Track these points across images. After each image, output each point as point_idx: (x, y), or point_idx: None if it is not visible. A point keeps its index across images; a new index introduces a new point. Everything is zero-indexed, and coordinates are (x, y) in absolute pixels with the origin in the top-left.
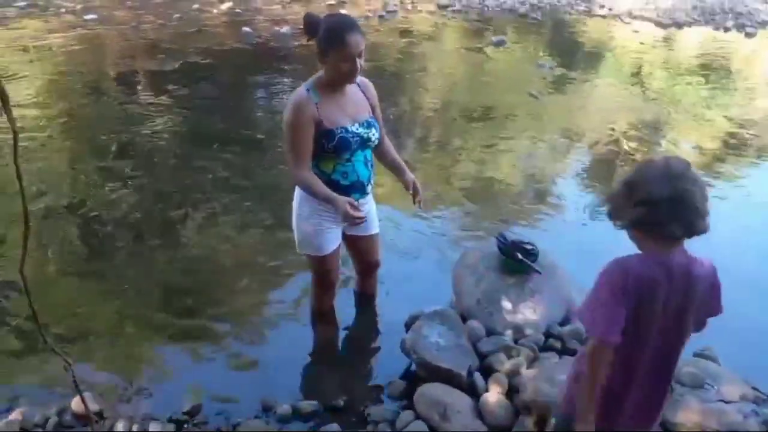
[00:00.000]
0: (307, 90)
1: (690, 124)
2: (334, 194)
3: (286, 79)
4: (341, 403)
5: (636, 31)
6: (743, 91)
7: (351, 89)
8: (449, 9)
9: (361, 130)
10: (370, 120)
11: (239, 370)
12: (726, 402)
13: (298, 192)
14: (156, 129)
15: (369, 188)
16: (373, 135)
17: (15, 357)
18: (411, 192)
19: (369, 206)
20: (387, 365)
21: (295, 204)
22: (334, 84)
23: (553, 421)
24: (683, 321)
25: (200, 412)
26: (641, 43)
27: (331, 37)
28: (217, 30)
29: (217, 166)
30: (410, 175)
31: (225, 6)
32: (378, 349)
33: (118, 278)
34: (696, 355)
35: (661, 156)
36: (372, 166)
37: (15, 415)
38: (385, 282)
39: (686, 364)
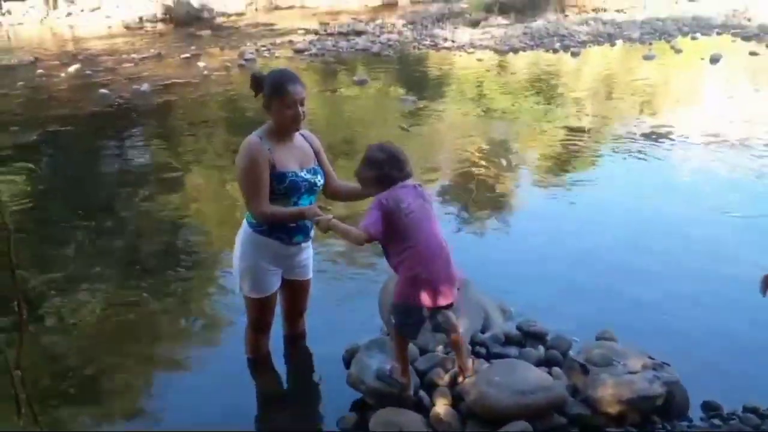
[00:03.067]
0: (259, 138)
1: (532, 136)
2: (297, 208)
3: (156, 136)
4: None
5: (480, 59)
6: (573, 103)
7: (297, 139)
8: (306, 53)
9: (308, 176)
10: (315, 167)
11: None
12: (633, 373)
13: (241, 236)
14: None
15: (311, 233)
16: (319, 181)
17: None
18: None
19: (308, 252)
20: (331, 400)
21: (237, 247)
22: (281, 132)
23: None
24: (428, 211)
25: None
26: (487, 70)
27: (275, 88)
28: (70, 94)
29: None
30: None
31: (73, 68)
32: (318, 386)
33: None
34: (599, 338)
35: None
36: None
37: None
38: (312, 320)
39: (596, 347)
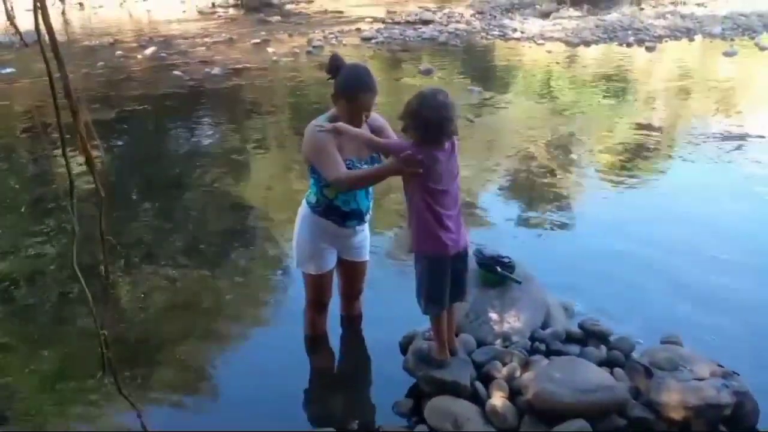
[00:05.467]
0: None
1: (600, 132)
2: (378, 166)
3: (226, 119)
4: (355, 426)
5: (549, 51)
6: (645, 99)
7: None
8: (373, 41)
9: (366, 167)
10: (374, 156)
11: (247, 407)
12: (700, 380)
13: (300, 213)
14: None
15: (367, 217)
16: None
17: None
18: None
19: (364, 234)
20: (387, 385)
21: (297, 225)
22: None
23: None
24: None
25: None
26: (556, 63)
27: (347, 90)
28: (146, 75)
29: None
30: None
31: (149, 51)
32: (376, 370)
33: (53, 341)
34: (663, 342)
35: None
36: (372, 198)
37: None
38: (371, 304)
39: (660, 350)
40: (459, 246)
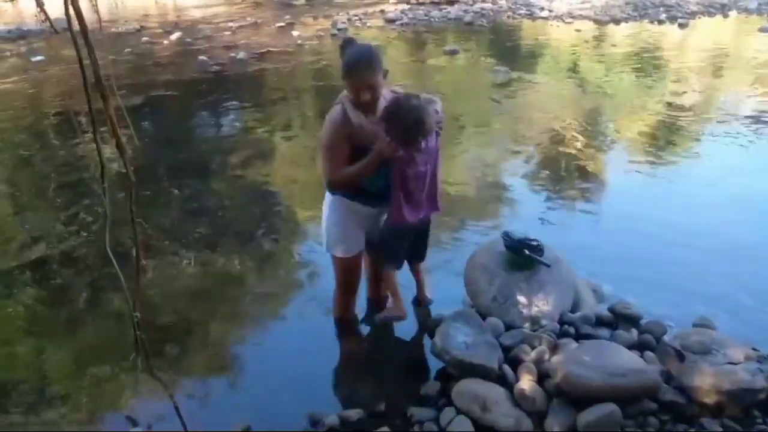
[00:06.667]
0: (344, 109)
1: (630, 112)
2: (364, 160)
3: (251, 103)
4: (383, 408)
5: (578, 30)
6: (676, 78)
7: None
8: (397, 23)
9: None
10: None
11: (276, 389)
12: (733, 364)
13: (328, 197)
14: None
15: None
16: None
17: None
18: None
19: None
20: (414, 368)
21: (325, 208)
22: (357, 106)
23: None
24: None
25: None
26: (585, 42)
27: (343, 68)
28: (172, 61)
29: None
30: None
31: (174, 36)
32: (403, 353)
33: (86, 324)
34: (695, 325)
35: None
36: None
37: None
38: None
39: (692, 333)
40: (418, 217)
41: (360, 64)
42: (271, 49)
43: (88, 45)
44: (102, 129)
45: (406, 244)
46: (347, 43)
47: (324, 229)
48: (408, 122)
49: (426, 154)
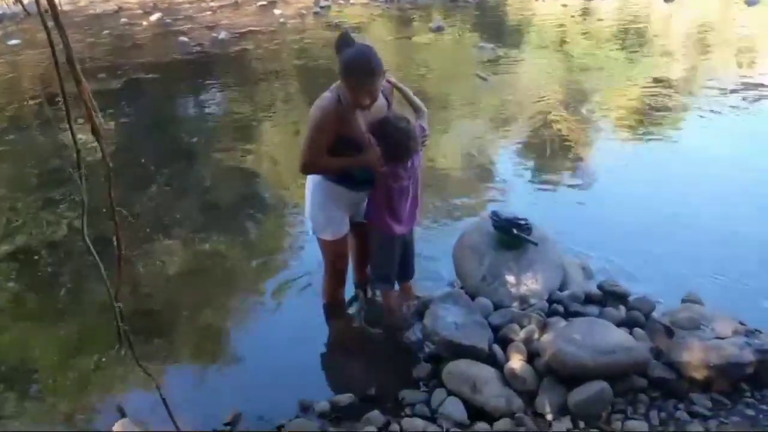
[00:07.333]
0: (338, 97)
1: (616, 87)
2: (350, 158)
3: (234, 84)
4: (373, 392)
5: (564, 5)
6: (662, 53)
7: (378, 101)
8: (382, 0)
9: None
10: None
11: (265, 376)
12: (721, 338)
13: (312, 181)
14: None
15: None
16: None
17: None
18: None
19: None
20: (404, 350)
21: (309, 192)
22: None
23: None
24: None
25: (241, 421)
26: (571, 17)
27: (348, 74)
28: (152, 43)
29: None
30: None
31: (154, 17)
32: (393, 336)
33: (71, 314)
34: (684, 300)
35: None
36: None
37: None
38: None
39: (681, 309)
40: (403, 231)
41: (363, 72)
42: (252, 28)
43: (59, 26)
44: (76, 114)
45: (397, 256)
46: (345, 41)
47: (309, 213)
48: (395, 143)
49: (410, 170)
